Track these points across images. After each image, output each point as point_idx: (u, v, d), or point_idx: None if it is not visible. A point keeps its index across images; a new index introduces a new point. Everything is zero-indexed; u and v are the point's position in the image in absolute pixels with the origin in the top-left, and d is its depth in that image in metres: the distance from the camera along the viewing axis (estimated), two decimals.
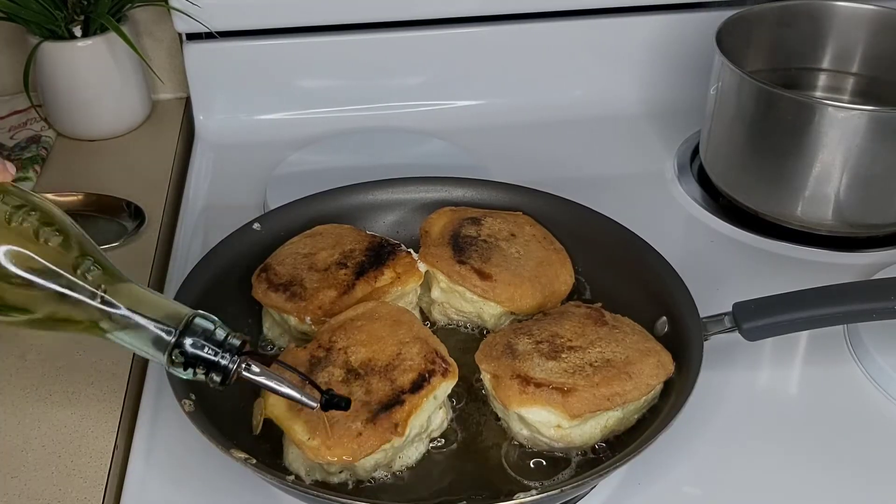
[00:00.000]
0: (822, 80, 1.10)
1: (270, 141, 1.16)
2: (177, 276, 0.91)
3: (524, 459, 0.72)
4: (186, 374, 0.61)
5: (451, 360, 0.72)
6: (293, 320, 0.79)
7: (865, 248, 0.98)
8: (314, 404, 0.62)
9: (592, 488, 0.72)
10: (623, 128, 1.20)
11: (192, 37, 1.15)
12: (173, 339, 0.60)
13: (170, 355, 0.60)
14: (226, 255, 0.84)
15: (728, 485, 0.73)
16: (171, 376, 0.69)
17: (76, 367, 0.81)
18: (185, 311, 0.61)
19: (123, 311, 0.59)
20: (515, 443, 0.73)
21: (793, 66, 1.09)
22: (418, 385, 0.69)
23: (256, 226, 0.88)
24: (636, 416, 0.74)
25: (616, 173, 1.12)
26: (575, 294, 0.86)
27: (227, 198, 1.06)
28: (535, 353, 0.73)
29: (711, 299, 0.79)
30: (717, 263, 0.96)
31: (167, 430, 0.76)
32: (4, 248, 0.58)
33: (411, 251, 0.85)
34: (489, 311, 0.82)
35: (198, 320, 0.61)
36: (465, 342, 0.83)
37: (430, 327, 0.82)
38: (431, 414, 0.71)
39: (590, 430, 0.71)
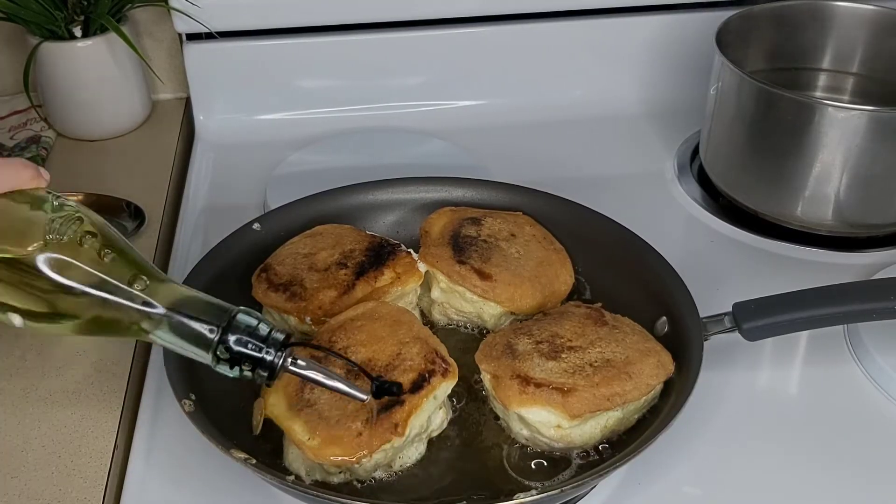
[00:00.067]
0: (822, 80, 1.10)
1: (270, 141, 1.16)
2: (177, 276, 0.90)
3: (524, 459, 0.72)
4: (233, 373, 0.60)
5: (451, 361, 0.72)
6: (293, 320, 0.79)
7: (865, 248, 0.98)
8: (365, 397, 0.61)
9: (592, 488, 0.72)
10: (623, 128, 1.20)
11: (192, 37, 1.15)
12: (217, 337, 0.59)
13: (215, 353, 0.59)
14: (226, 256, 0.84)
15: (728, 485, 0.73)
16: (170, 376, 0.69)
17: (76, 367, 0.81)
18: (228, 307, 0.60)
19: (165, 311, 0.59)
20: (516, 443, 0.73)
21: (793, 66, 1.09)
22: (418, 385, 0.69)
23: (256, 226, 0.88)
24: (636, 416, 0.74)
25: (616, 173, 1.12)
26: (575, 294, 0.86)
27: (227, 198, 1.06)
28: (535, 353, 0.73)
29: (711, 299, 0.79)
30: (717, 263, 0.96)
31: (167, 429, 0.76)
32: (49, 255, 0.57)
33: (411, 251, 0.85)
34: (489, 311, 0.82)
35: (240, 317, 0.60)
36: (465, 342, 0.83)
37: (430, 327, 0.82)
38: (431, 414, 0.71)
39: (590, 430, 0.71)
